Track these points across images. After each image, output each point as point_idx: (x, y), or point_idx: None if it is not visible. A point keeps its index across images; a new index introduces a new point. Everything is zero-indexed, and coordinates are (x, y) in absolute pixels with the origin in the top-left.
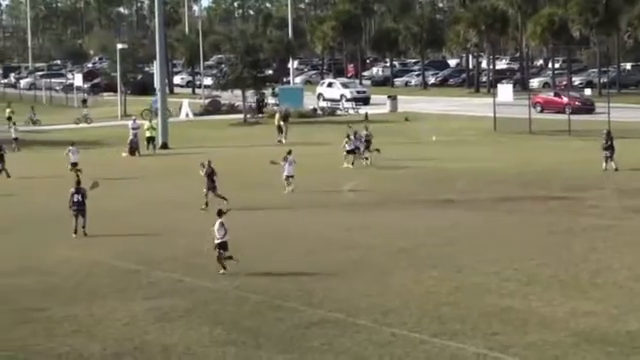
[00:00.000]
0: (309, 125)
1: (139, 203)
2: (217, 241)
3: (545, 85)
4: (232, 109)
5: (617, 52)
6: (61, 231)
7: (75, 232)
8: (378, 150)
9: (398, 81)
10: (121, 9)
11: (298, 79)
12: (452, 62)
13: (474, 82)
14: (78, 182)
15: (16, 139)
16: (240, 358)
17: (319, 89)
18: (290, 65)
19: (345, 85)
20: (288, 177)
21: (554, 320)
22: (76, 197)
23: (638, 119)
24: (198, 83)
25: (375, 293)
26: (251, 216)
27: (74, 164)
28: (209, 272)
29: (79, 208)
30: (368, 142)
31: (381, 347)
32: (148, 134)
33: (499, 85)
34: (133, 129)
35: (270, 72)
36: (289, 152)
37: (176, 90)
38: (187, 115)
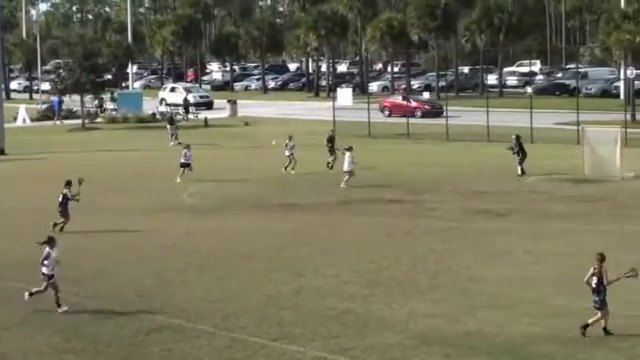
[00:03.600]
0: (148, 130)
1: None
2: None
3: (384, 89)
4: (71, 114)
5: (455, 56)
6: None
7: None
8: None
9: (238, 85)
10: None
11: (137, 84)
12: (292, 66)
13: (314, 86)
14: None
15: None
16: None
17: (161, 94)
18: (129, 70)
19: (188, 90)
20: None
21: (394, 322)
22: None
23: (477, 122)
24: (35, 88)
25: (215, 298)
26: (91, 222)
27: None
28: None
29: None
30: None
31: (221, 352)
32: None
33: (339, 89)
34: None
35: (109, 77)
36: None
37: (13, 95)
38: (24, 121)
